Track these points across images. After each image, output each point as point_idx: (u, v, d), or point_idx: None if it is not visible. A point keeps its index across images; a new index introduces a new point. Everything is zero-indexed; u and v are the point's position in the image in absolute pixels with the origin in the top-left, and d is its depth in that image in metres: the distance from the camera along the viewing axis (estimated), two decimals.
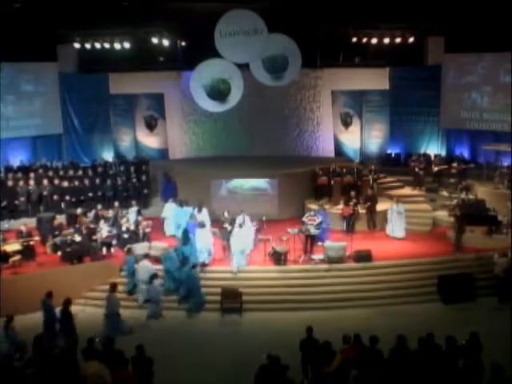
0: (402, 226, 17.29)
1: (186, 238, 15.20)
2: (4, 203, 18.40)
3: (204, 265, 15.00)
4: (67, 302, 11.72)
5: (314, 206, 18.38)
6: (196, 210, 16.97)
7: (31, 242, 15.27)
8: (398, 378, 8.30)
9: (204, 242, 15.24)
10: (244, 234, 15.34)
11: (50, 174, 20.27)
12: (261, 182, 19.81)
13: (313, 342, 9.45)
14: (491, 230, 16.76)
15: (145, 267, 14.06)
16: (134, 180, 20.46)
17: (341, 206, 18.17)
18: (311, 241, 15.60)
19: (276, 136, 23.09)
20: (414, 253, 15.84)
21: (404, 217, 17.34)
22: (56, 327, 11.76)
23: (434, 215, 18.66)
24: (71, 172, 20.52)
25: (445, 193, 20.34)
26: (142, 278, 13.85)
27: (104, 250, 15.78)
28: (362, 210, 17.97)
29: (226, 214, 16.75)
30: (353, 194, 18.16)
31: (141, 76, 22.85)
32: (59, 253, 15.42)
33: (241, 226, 15.50)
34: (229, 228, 16.01)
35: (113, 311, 12.54)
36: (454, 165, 21.12)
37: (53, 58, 22.69)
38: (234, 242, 15.01)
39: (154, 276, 13.61)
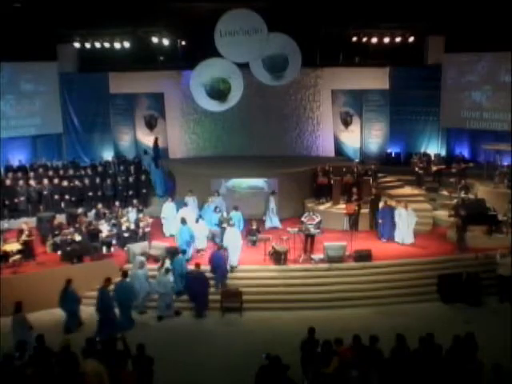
0: (410, 231, 16.57)
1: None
2: (4, 202, 18.39)
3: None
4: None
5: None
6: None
7: (28, 237, 15.18)
8: (398, 377, 8.31)
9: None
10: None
11: (50, 173, 20.24)
12: (258, 181, 19.80)
13: (314, 342, 9.43)
14: (491, 229, 16.76)
15: None
16: (134, 179, 20.44)
17: (341, 206, 18.12)
18: (311, 240, 15.61)
19: (276, 135, 23.04)
20: (413, 252, 15.85)
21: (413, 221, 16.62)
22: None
23: (434, 215, 18.65)
24: (71, 171, 20.50)
25: (445, 192, 20.29)
26: None
27: (104, 249, 15.78)
28: (364, 210, 17.93)
29: (225, 214, 16.80)
30: (354, 190, 18.12)
31: (141, 75, 22.80)
32: (59, 252, 15.43)
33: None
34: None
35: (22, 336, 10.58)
36: (454, 164, 21.13)
37: (53, 57, 22.68)
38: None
39: None
